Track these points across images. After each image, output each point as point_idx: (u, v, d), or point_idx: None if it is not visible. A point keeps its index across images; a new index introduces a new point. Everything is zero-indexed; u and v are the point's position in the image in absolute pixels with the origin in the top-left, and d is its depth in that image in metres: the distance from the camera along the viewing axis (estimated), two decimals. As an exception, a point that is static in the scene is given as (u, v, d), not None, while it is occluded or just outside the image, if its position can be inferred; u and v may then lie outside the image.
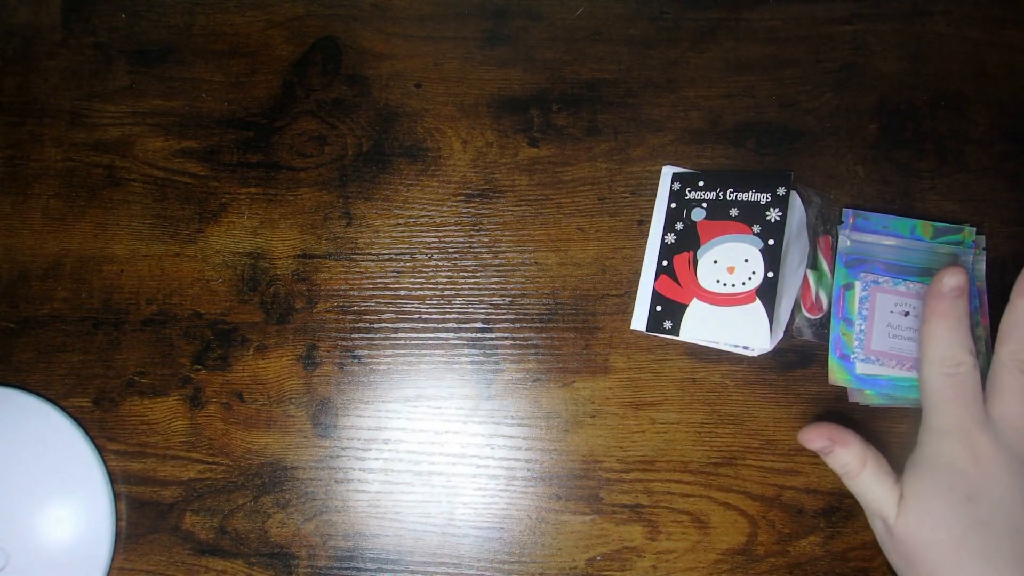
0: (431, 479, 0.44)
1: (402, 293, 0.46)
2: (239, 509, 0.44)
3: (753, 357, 0.44)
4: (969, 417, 0.36)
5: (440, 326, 0.46)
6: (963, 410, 0.36)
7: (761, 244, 0.44)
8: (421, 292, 0.46)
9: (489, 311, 0.46)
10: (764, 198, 0.44)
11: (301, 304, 0.46)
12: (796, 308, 0.44)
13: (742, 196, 0.45)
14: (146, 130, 0.49)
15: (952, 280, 0.37)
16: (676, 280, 0.45)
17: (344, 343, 0.46)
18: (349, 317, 0.46)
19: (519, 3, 0.50)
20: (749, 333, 0.43)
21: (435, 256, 0.47)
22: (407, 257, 0.47)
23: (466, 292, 0.46)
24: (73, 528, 0.44)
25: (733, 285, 0.44)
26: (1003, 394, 0.36)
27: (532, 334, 0.46)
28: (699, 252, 0.45)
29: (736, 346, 0.44)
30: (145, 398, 0.46)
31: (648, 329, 0.45)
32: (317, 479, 0.44)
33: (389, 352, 0.46)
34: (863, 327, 0.44)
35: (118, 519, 0.44)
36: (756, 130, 0.47)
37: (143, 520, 0.44)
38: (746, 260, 0.44)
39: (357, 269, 0.47)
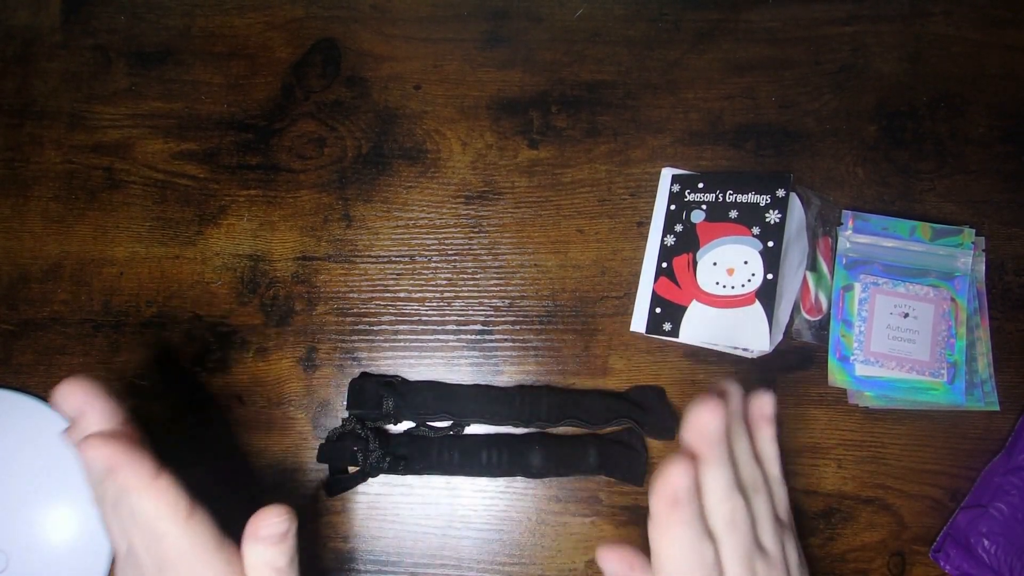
0: (430, 481, 0.44)
1: (402, 295, 0.46)
2: (239, 511, 0.44)
3: (753, 359, 0.44)
4: None
5: (440, 328, 0.46)
6: None
7: (760, 246, 0.44)
8: (421, 294, 0.46)
9: (489, 313, 0.46)
10: (763, 200, 0.44)
11: (301, 306, 0.46)
12: (795, 310, 0.44)
13: (741, 198, 0.45)
14: (146, 132, 0.49)
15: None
16: (676, 282, 0.45)
17: (344, 345, 0.46)
18: (349, 319, 0.46)
19: (518, 5, 0.50)
20: (749, 335, 0.43)
21: (435, 258, 0.47)
22: (407, 259, 0.47)
23: (466, 294, 0.46)
24: (73, 530, 0.44)
25: (732, 287, 0.44)
26: None
27: (532, 336, 0.46)
28: (698, 254, 0.45)
29: (736, 348, 0.44)
30: (145, 400, 0.46)
31: (648, 331, 0.45)
32: (317, 481, 0.44)
33: (389, 354, 0.46)
34: (862, 329, 0.44)
35: (118, 521, 0.44)
36: (755, 131, 0.47)
37: (143, 522, 0.44)
38: (745, 262, 0.44)
39: (357, 271, 0.47)
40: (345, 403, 0.44)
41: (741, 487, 0.30)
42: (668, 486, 0.27)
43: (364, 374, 0.45)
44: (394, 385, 0.44)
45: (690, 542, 0.28)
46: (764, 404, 0.32)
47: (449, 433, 0.44)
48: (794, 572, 0.32)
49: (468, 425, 0.44)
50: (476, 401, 0.43)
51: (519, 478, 0.44)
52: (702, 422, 0.28)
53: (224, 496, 0.43)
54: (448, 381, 0.45)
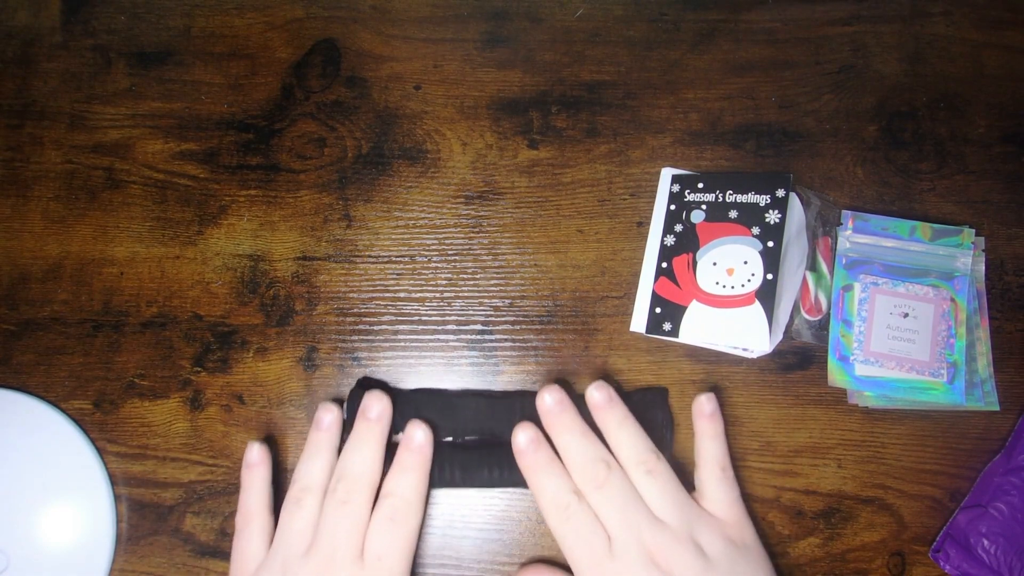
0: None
1: (402, 295, 0.46)
2: (239, 511, 0.44)
3: (752, 359, 0.44)
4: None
5: (440, 328, 0.46)
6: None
7: (760, 246, 0.44)
8: (421, 294, 0.46)
9: (489, 313, 0.46)
10: (763, 200, 0.44)
11: (301, 306, 0.46)
12: (795, 310, 0.44)
13: (741, 198, 0.45)
14: (146, 132, 0.49)
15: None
16: (675, 282, 0.45)
17: (344, 345, 0.46)
18: (349, 319, 0.46)
19: (518, 5, 0.50)
20: (748, 335, 0.43)
21: (435, 258, 0.47)
22: (407, 259, 0.47)
23: (466, 294, 0.46)
24: (73, 530, 0.44)
25: (732, 287, 0.44)
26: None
27: (532, 336, 0.46)
28: (698, 254, 0.45)
29: (735, 348, 0.44)
30: (145, 400, 0.46)
31: (648, 331, 0.45)
32: (317, 481, 0.44)
33: (389, 354, 0.46)
34: (862, 329, 0.44)
35: (119, 521, 0.44)
36: (755, 132, 0.47)
37: (143, 522, 0.45)
38: (745, 262, 0.44)
39: (357, 271, 0.47)
40: (344, 413, 0.44)
41: (615, 459, 0.38)
42: (517, 438, 0.39)
43: (364, 382, 0.45)
44: (395, 401, 0.43)
45: (552, 485, 0.38)
46: (702, 405, 0.40)
47: (448, 439, 0.43)
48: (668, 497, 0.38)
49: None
50: (476, 420, 0.43)
51: (519, 478, 0.44)
52: (540, 401, 0.40)
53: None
54: (448, 388, 0.45)
